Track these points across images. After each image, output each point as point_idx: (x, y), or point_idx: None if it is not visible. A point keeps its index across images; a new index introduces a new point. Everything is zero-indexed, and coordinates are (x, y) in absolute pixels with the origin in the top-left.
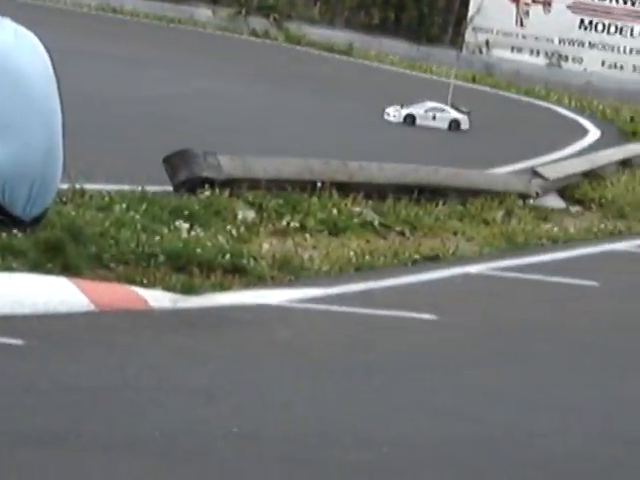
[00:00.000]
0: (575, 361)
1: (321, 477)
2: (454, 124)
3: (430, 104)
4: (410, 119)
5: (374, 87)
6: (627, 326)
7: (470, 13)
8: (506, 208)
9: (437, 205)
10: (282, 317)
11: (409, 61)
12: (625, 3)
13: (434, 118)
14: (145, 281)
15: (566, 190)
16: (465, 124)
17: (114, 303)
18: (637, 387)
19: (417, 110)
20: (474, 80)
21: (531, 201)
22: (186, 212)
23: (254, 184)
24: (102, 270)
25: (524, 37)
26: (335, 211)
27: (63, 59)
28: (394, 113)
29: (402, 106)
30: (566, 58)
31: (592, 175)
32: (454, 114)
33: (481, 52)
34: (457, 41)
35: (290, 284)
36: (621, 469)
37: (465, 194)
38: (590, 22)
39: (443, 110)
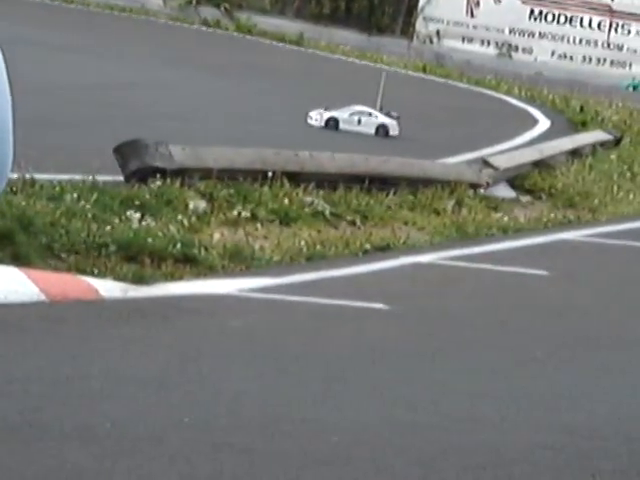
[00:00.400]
0: (524, 350)
1: (272, 466)
2: (382, 129)
3: (357, 108)
4: (333, 123)
5: (323, 77)
6: (576, 315)
7: (421, 3)
8: (457, 198)
9: (388, 195)
10: (233, 307)
11: (360, 51)
12: None
13: (359, 122)
14: (96, 271)
15: (516, 180)
16: (394, 130)
17: (65, 293)
18: (584, 376)
19: (341, 114)
20: (425, 70)
21: (481, 191)
22: (137, 202)
23: (205, 174)
24: (53, 260)
25: (475, 27)
26: (286, 201)
27: (12, 48)
28: (316, 116)
29: (326, 109)
30: (516, 48)
31: (542, 165)
32: (382, 119)
33: (432, 42)
34: (408, 31)
35: (241, 274)
36: (565, 457)
37: (416, 184)
38: (540, 12)
39: (370, 114)
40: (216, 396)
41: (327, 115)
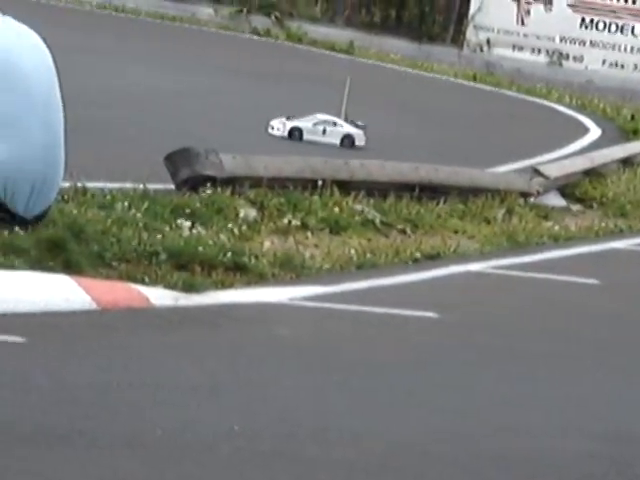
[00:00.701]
0: (574, 359)
1: (320, 475)
2: (347, 140)
3: (321, 117)
4: (297, 133)
5: (373, 85)
6: (626, 324)
7: (471, 11)
8: (507, 206)
9: (438, 203)
10: (283, 315)
11: (410, 59)
12: (626, 2)
13: (324, 132)
14: (147, 279)
15: (567, 188)
16: (360, 140)
17: (116, 301)
18: (632, 385)
19: (305, 123)
20: (475, 79)
21: (532, 199)
22: (188, 210)
23: (256, 182)
24: (104, 268)
25: (525, 36)
26: (336, 209)
27: (64, 57)
28: (278, 126)
29: (288, 118)
30: (567, 56)
31: (593, 173)
32: (347, 128)
33: (482, 50)
34: (458, 39)
35: (291, 282)
36: (613, 465)
37: (466, 192)
38: (591, 21)
39: (335, 124)
40: (266, 404)
41: (290, 125)
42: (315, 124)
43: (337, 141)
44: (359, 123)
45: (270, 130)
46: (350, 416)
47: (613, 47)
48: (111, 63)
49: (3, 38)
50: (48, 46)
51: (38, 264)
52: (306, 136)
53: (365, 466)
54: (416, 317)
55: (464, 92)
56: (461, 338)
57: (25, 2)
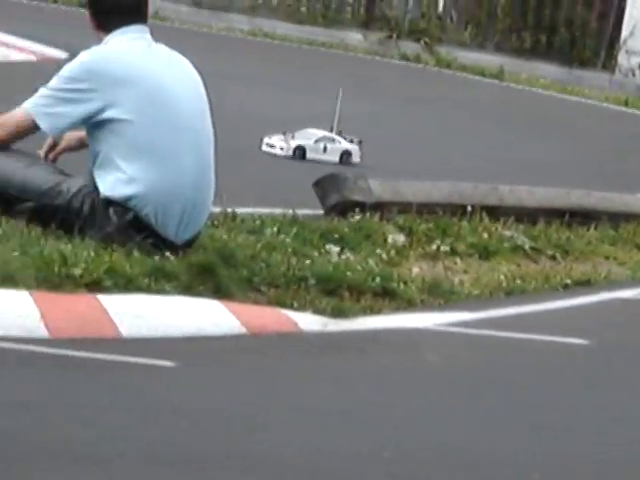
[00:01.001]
0: None
1: None
2: (345, 156)
3: (317, 133)
4: (300, 152)
5: (522, 111)
6: None
7: (623, 36)
8: None
9: (589, 229)
10: (431, 341)
11: (560, 84)
12: None
13: (325, 150)
14: (295, 304)
15: None
16: (356, 156)
17: (265, 326)
18: None
19: (306, 141)
20: (626, 104)
21: None
22: (336, 235)
23: (404, 208)
24: (253, 293)
25: None
26: (485, 235)
27: (215, 83)
28: (281, 144)
29: (285, 134)
30: None
31: None
32: (345, 144)
33: (634, 75)
34: (610, 64)
35: (440, 308)
36: None
37: (617, 218)
38: None
39: (333, 140)
40: (416, 430)
41: (294, 143)
42: (316, 141)
43: (337, 158)
44: (353, 138)
45: (269, 149)
46: (503, 442)
47: None
48: (262, 89)
49: (154, 65)
50: (199, 72)
51: (188, 289)
52: (309, 154)
53: None
54: (565, 344)
55: (615, 117)
56: (613, 365)
57: (177, 29)
